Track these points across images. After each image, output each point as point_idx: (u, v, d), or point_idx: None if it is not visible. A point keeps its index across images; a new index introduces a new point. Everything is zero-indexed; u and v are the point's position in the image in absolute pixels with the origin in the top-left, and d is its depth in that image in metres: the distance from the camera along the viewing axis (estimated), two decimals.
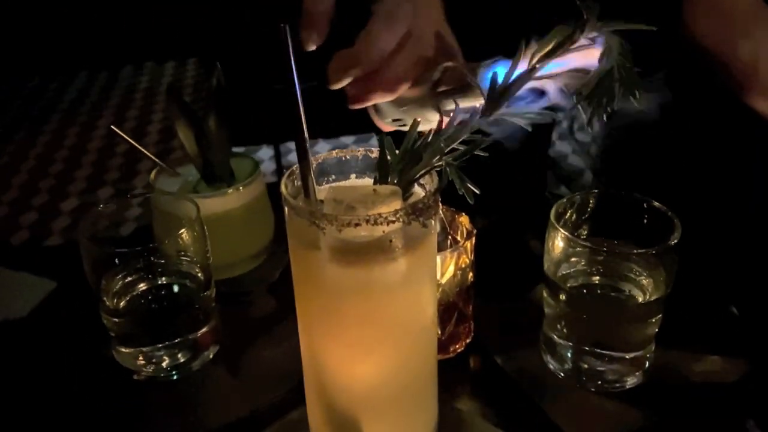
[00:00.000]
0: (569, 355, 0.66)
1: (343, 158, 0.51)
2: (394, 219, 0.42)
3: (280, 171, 2.77)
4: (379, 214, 0.42)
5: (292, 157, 3.16)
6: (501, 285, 0.77)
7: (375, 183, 0.49)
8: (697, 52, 0.68)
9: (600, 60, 0.39)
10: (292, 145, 2.96)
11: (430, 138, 0.46)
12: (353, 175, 0.52)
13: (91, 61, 4.15)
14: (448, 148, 0.46)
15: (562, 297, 0.64)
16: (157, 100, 3.81)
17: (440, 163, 0.46)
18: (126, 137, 0.77)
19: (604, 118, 0.40)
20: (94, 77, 4.12)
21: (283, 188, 0.46)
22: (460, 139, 0.46)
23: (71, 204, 2.83)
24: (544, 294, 0.67)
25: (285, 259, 0.85)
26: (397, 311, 0.46)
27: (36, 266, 0.86)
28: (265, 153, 3.08)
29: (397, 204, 0.45)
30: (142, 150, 0.79)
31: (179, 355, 0.69)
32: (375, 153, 0.50)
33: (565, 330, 0.66)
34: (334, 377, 0.49)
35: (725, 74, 0.69)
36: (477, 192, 0.44)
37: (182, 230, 0.65)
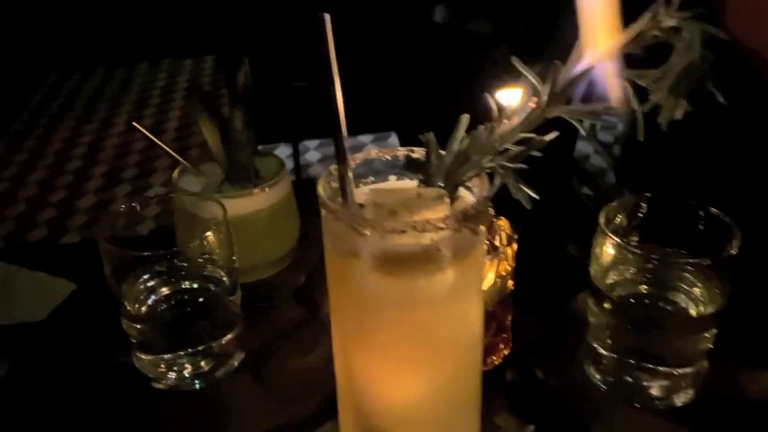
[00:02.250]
0: (614, 368, 0.62)
1: (383, 158, 0.47)
2: (443, 226, 0.38)
3: (298, 170, 2.74)
4: (427, 221, 0.38)
5: (310, 155, 3.13)
6: (541, 292, 0.73)
7: (418, 185, 0.45)
8: (737, 51, 0.64)
9: (677, 52, 0.35)
10: (310, 143, 2.95)
11: (479, 136, 0.43)
12: (393, 177, 0.48)
13: (108, 57, 4.15)
14: (501, 149, 0.42)
15: (609, 306, 0.61)
16: (174, 98, 3.80)
17: (491, 164, 0.42)
18: (148, 134, 0.75)
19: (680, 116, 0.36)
20: (110, 74, 4.12)
21: (320, 190, 0.43)
22: (514, 139, 0.42)
23: (88, 201, 2.82)
24: (589, 302, 0.63)
25: (310, 263, 0.83)
26: (442, 326, 0.43)
27: (54, 265, 0.84)
28: (283, 151, 3.06)
29: (442, 209, 0.41)
30: (165, 148, 0.76)
31: (202, 363, 0.66)
32: (417, 153, 0.46)
33: (610, 341, 0.62)
34: (371, 394, 0.46)
35: (758, 64, 0.66)
36: (536, 197, 0.40)
37: (208, 232, 0.62)
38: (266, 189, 0.76)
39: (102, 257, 0.61)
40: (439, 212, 0.41)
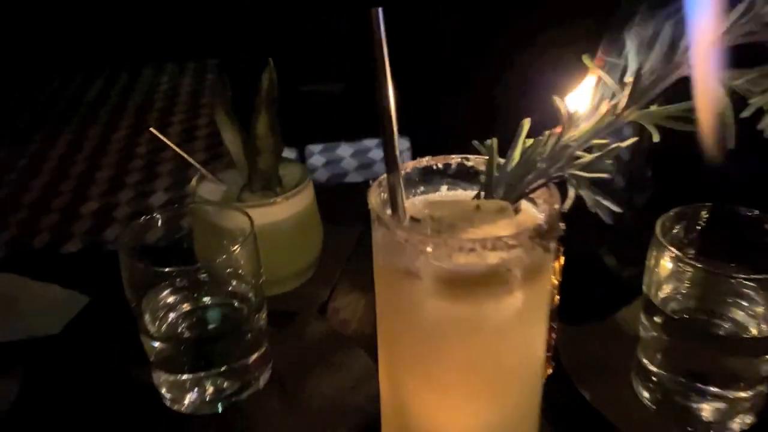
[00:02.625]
0: (665, 387, 0.58)
1: (434, 167, 0.43)
2: (515, 243, 0.34)
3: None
4: (499, 238, 0.34)
5: (315, 160, 3.09)
6: (587, 305, 0.69)
7: (475, 197, 0.41)
8: None
9: None
10: (314, 147, 2.91)
11: (548, 143, 0.39)
12: (444, 187, 0.44)
13: (112, 60, 4.12)
14: (572, 156, 0.38)
15: (662, 321, 0.57)
16: (178, 102, 3.76)
17: (560, 173, 0.38)
18: (169, 142, 0.70)
19: None
20: (114, 77, 4.08)
21: (372, 201, 0.38)
22: (587, 144, 0.38)
23: (92, 206, 2.77)
24: (641, 317, 0.59)
25: (334, 276, 0.79)
26: (507, 353, 0.39)
27: (63, 276, 0.80)
28: (287, 155, 3.02)
29: (507, 223, 0.37)
30: (185, 155, 0.72)
31: (225, 385, 0.61)
32: (472, 161, 0.42)
33: (662, 359, 0.58)
34: (424, 424, 0.42)
35: None
36: (619, 211, 0.36)
37: (235, 246, 0.57)
38: (290, 197, 0.72)
39: (122, 271, 0.57)
40: (503, 227, 0.37)
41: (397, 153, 0.40)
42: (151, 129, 0.70)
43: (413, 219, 0.40)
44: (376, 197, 0.40)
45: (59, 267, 0.89)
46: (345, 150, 3.21)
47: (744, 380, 0.56)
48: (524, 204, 0.41)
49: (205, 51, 4.11)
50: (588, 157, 0.37)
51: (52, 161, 3.15)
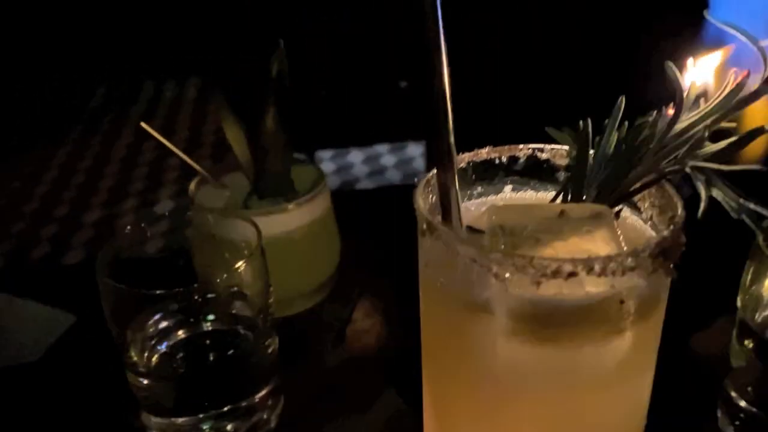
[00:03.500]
0: (755, 425, 0.49)
1: (497, 160, 0.33)
2: (634, 265, 0.24)
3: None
4: (610, 257, 0.24)
5: (326, 166, 2.99)
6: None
7: (554, 200, 0.31)
8: None
9: None
10: (324, 153, 2.83)
11: (655, 124, 0.28)
12: (508, 188, 0.34)
13: (113, 70, 4.06)
14: (696, 143, 0.28)
15: (759, 348, 0.48)
16: (181, 111, 3.68)
17: (677, 167, 0.28)
18: (160, 137, 0.61)
19: None
20: (117, 86, 4.01)
21: (420, 204, 0.28)
22: (715, 127, 0.28)
23: (94, 216, 2.69)
24: (733, 341, 0.50)
25: (353, 294, 0.69)
26: (605, 411, 0.28)
27: (55, 290, 0.73)
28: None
29: (608, 236, 0.27)
30: (178, 152, 0.62)
31: (229, 428, 0.52)
32: (548, 153, 0.32)
33: (754, 392, 0.49)
34: None
35: None
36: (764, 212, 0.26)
37: (240, 262, 0.47)
38: (303, 204, 0.62)
39: (102, 296, 0.47)
40: (603, 242, 0.27)
41: (452, 142, 0.30)
42: (143, 124, 0.60)
43: (472, 230, 0.30)
44: (424, 200, 0.30)
45: (52, 281, 0.80)
46: (356, 156, 3.12)
47: None
48: (624, 212, 0.31)
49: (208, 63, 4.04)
50: (718, 145, 0.27)
51: (53, 171, 3.08)
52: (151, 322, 0.51)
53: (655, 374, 0.53)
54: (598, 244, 0.27)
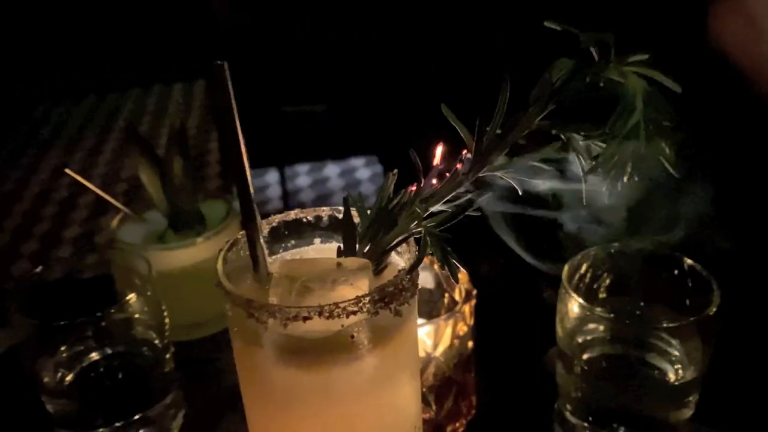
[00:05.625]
0: None
1: (305, 219, 0.42)
2: (355, 309, 0.32)
3: (285, 197, 2.69)
4: (336, 304, 0.32)
5: (300, 180, 3.07)
6: (506, 353, 0.66)
7: (339, 253, 0.39)
8: (723, 60, 0.62)
9: (621, 111, 0.29)
10: (300, 167, 2.88)
11: (407, 197, 0.37)
12: (317, 240, 0.42)
13: (99, 83, 4.12)
14: (427, 212, 0.36)
15: (578, 370, 0.55)
16: (165, 123, 3.76)
17: (419, 229, 0.36)
18: (82, 180, 0.69)
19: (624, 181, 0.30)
20: (101, 100, 4.08)
21: (219, 266, 0.37)
22: (443, 201, 0.36)
23: (74, 232, 2.76)
24: (557, 365, 0.56)
25: None
26: (365, 421, 0.37)
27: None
28: (273, 177, 3.00)
29: (365, 283, 0.35)
30: (100, 192, 0.70)
31: None
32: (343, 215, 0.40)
33: (581, 408, 0.56)
34: None
35: (751, 79, 0.64)
36: (462, 270, 0.34)
37: (131, 296, 0.55)
38: (211, 237, 0.70)
39: (11, 328, 0.55)
40: (360, 288, 0.35)
41: (255, 206, 0.38)
42: (67, 170, 0.68)
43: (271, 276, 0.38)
44: (227, 260, 0.38)
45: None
46: (332, 169, 3.19)
47: (667, 426, 0.54)
48: (394, 258, 0.39)
49: (194, 72, 4.12)
50: (443, 213, 0.36)
51: (34, 186, 3.14)
52: (63, 348, 0.59)
53: (501, 398, 0.61)
54: (354, 290, 0.35)
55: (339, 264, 0.37)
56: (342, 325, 0.33)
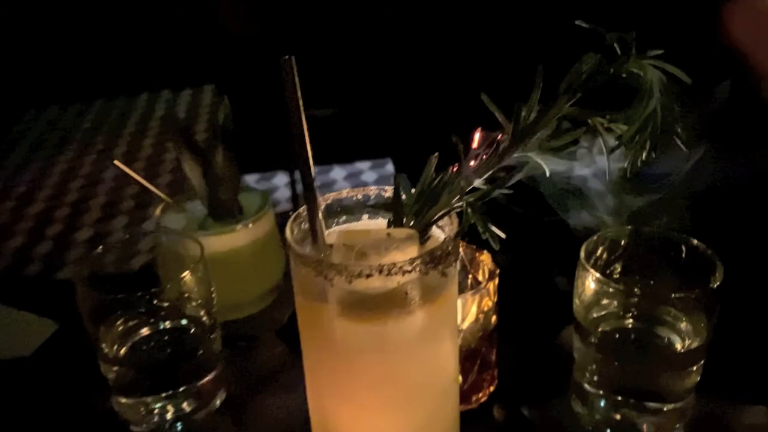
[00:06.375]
0: (601, 405, 0.60)
1: (355, 198, 0.47)
2: (410, 269, 0.38)
3: (295, 198, 2.74)
4: (394, 264, 0.38)
5: None
6: (526, 329, 0.72)
7: (389, 225, 0.44)
8: (734, 58, 0.65)
9: (640, 99, 0.35)
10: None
11: (448, 176, 0.42)
12: (365, 216, 0.48)
13: (107, 89, 4.18)
14: (469, 188, 0.41)
15: (593, 342, 0.59)
16: (172, 128, 3.81)
17: (460, 204, 0.42)
18: (130, 171, 0.74)
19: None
20: (110, 106, 4.15)
21: (288, 233, 0.42)
22: (482, 178, 0.41)
23: (86, 234, 2.81)
24: (574, 339, 0.62)
25: (293, 301, 0.81)
26: (414, 370, 0.42)
27: (43, 303, 0.83)
28: (281, 179, 3.06)
29: (413, 249, 0.41)
30: (147, 184, 0.75)
31: (183, 405, 0.64)
32: (389, 192, 0.46)
33: (596, 378, 0.60)
34: None
35: (760, 79, 0.67)
36: (502, 236, 0.39)
37: (185, 273, 0.61)
38: (249, 225, 0.75)
39: (78, 300, 0.60)
40: (409, 253, 0.40)
41: (315, 186, 0.43)
42: (116, 162, 0.73)
43: (330, 246, 0.43)
44: (294, 229, 0.43)
45: (41, 295, 0.92)
46: (338, 173, 3.25)
47: (674, 393, 0.59)
48: (435, 231, 0.44)
49: (201, 77, 4.18)
50: (481, 190, 0.41)
51: (46, 189, 3.20)
52: (119, 322, 0.64)
53: (521, 372, 0.66)
54: (403, 256, 0.40)
55: (389, 234, 0.42)
56: (398, 282, 0.38)
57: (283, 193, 2.96)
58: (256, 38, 2.20)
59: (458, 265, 0.43)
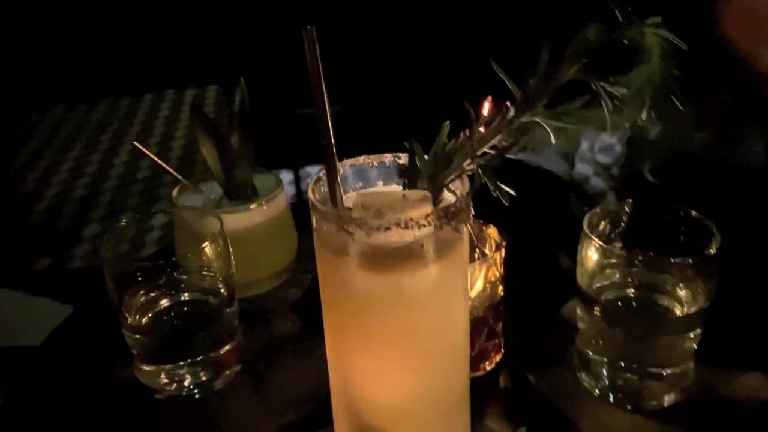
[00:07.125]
0: (604, 371, 0.63)
1: (371, 164, 0.50)
2: (425, 223, 0.41)
3: (300, 196, 2.77)
4: (410, 218, 0.40)
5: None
6: (532, 299, 0.74)
7: (404, 189, 0.47)
8: (728, 55, 0.68)
9: (640, 62, 0.37)
10: (311, 169, 2.96)
11: (460, 141, 0.45)
12: (380, 182, 0.50)
13: (113, 88, 4.22)
14: (480, 152, 0.44)
15: (596, 311, 0.62)
16: (178, 127, 3.85)
17: (471, 166, 0.44)
18: (149, 153, 0.77)
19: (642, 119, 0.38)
20: (116, 105, 4.18)
21: (310, 194, 0.45)
22: (492, 143, 0.44)
23: (93, 230, 2.84)
24: (578, 308, 0.64)
25: (307, 279, 0.85)
26: (428, 323, 0.45)
27: (56, 290, 0.86)
28: (285, 177, 3.09)
29: (427, 209, 0.44)
30: (164, 165, 0.78)
31: (201, 374, 0.67)
32: (403, 159, 0.49)
33: (599, 345, 0.63)
34: (362, 392, 0.47)
35: (754, 78, 0.69)
36: (513, 194, 0.42)
37: (205, 244, 0.64)
38: (263, 204, 0.78)
39: (104, 270, 0.63)
40: (423, 212, 0.43)
41: (334, 151, 0.46)
42: (135, 143, 0.76)
43: (348, 209, 0.46)
44: (315, 191, 0.46)
45: (54, 283, 0.95)
46: (346, 171, 3.26)
47: (674, 358, 0.62)
48: (446, 194, 0.47)
49: (205, 78, 4.21)
50: (490, 153, 0.44)
51: (53, 186, 3.23)
52: (142, 292, 0.67)
53: (527, 341, 0.69)
54: (417, 213, 0.43)
55: (404, 195, 0.45)
56: (414, 236, 0.41)
57: (288, 191, 2.99)
58: (265, 35, 2.23)
59: (469, 230, 0.45)
